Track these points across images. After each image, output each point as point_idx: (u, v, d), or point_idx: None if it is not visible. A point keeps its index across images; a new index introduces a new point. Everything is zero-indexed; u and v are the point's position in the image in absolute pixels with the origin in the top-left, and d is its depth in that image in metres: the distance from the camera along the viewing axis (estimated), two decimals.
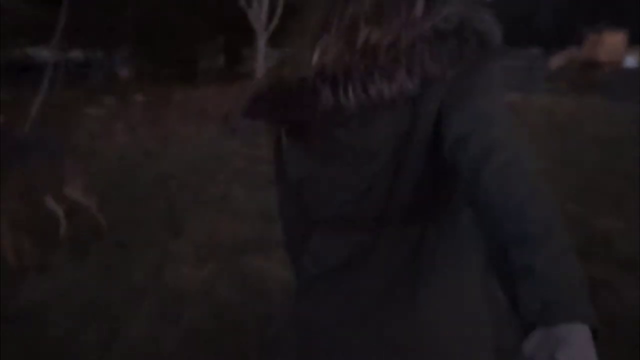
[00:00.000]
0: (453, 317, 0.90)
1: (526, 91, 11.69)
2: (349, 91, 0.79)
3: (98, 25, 11.33)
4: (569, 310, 0.56)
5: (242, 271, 2.92)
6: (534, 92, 11.95)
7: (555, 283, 0.58)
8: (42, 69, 6.80)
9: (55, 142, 3.47)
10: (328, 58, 0.82)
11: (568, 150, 6.31)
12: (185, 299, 2.61)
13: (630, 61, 14.79)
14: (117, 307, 2.52)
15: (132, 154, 6.23)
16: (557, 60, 15.49)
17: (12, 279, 2.75)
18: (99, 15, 11.02)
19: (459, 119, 0.75)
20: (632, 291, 2.63)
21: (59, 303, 2.55)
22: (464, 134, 0.73)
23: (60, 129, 7.03)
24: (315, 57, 0.84)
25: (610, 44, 15.63)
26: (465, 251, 0.92)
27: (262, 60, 10.53)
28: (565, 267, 0.60)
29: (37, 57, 11.70)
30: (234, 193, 4.52)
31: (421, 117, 0.79)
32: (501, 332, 1.03)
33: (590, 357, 0.54)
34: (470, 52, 0.78)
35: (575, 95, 11.98)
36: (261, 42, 10.50)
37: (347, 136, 0.83)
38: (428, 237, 0.88)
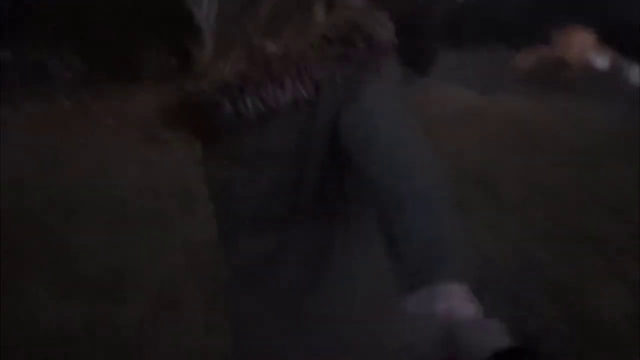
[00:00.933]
0: (360, 296, 1.00)
1: (491, 93, 10.89)
2: (247, 101, 0.90)
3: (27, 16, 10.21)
4: (445, 270, 0.64)
5: None
6: (500, 94, 11.10)
7: (433, 245, 0.66)
8: None
9: None
10: (229, 71, 0.92)
11: (538, 169, 5.48)
12: None
13: (600, 61, 14.32)
14: None
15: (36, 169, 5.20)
16: (525, 60, 14.88)
17: None
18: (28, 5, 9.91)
19: (349, 114, 0.86)
20: None
21: None
22: (352, 126, 0.85)
23: None
24: (225, 69, 0.92)
25: (579, 43, 15.13)
26: (373, 240, 0.94)
27: (211, 61, 9.58)
28: (441, 231, 0.68)
29: None
30: (103, 236, 3.60)
31: (319, 118, 0.90)
32: None
33: (468, 310, 0.59)
34: (358, 54, 0.89)
35: (544, 98, 11.21)
36: (210, 43, 9.55)
37: (252, 141, 0.94)
38: (336, 231, 0.99)
